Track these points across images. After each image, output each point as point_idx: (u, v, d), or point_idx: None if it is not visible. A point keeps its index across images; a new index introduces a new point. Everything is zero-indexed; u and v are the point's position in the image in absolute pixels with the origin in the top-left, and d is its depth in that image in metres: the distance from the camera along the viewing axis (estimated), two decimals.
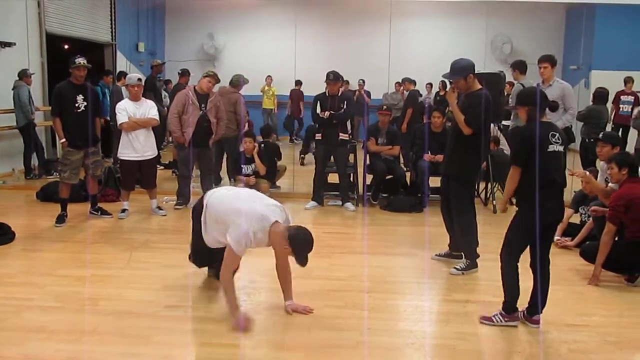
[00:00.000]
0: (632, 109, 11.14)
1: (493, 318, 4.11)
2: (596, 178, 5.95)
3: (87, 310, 4.22)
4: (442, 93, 13.46)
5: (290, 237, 3.94)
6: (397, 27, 14.60)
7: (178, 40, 16.51)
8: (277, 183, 8.93)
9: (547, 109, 4.16)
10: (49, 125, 10.07)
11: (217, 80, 7.51)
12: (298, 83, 14.35)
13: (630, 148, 7.39)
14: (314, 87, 8.17)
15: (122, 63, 13.54)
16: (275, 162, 8.89)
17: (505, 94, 8.91)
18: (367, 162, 8.05)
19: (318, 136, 7.69)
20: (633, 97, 11.30)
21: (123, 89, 9.16)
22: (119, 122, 6.92)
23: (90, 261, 5.32)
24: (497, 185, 8.06)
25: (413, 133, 8.59)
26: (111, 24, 13.39)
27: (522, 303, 4.14)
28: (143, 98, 7.15)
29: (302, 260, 3.94)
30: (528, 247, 4.04)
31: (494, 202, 7.77)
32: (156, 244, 5.98)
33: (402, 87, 13.03)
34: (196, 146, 7.14)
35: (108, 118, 9.91)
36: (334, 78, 7.46)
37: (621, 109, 11.09)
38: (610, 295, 4.76)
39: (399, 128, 10.76)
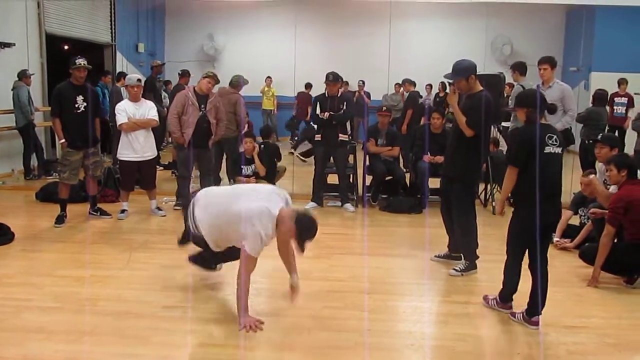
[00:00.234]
0: (626, 111, 11.21)
1: (490, 301, 4.41)
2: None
3: (86, 310, 4.22)
4: (441, 94, 13.48)
5: (297, 218, 3.94)
6: (396, 28, 14.62)
7: (178, 41, 16.52)
8: (277, 184, 8.92)
9: (545, 111, 4.20)
10: (48, 125, 10.08)
11: (217, 81, 7.50)
12: (308, 86, 14.33)
13: (627, 150, 7.39)
14: (314, 88, 8.17)
15: (121, 64, 13.56)
16: (275, 163, 8.88)
17: (505, 95, 8.92)
18: (367, 163, 8.05)
19: (318, 137, 7.69)
20: (627, 99, 11.34)
21: (123, 89, 9.17)
22: (118, 123, 6.92)
23: (89, 262, 5.32)
24: (496, 187, 8.06)
25: (413, 134, 8.60)
26: (111, 24, 13.39)
27: (522, 304, 4.17)
28: (142, 99, 7.15)
29: (303, 245, 3.95)
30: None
31: (494, 203, 7.78)
32: (155, 244, 5.98)
33: (401, 88, 13.03)
34: (196, 147, 7.13)
35: (107, 118, 9.92)
36: (333, 79, 7.47)
37: (615, 111, 11.13)
38: (610, 297, 4.76)
39: (399, 129, 10.77)
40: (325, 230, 6.82)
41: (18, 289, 4.65)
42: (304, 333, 3.94)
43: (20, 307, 4.25)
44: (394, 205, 7.72)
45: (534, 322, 4.07)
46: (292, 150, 11.43)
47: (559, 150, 4.06)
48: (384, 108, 8.41)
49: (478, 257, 5.22)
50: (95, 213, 7.02)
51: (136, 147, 6.91)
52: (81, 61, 6.53)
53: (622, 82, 11.50)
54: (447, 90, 13.10)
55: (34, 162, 9.75)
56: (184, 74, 10.77)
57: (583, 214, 6.11)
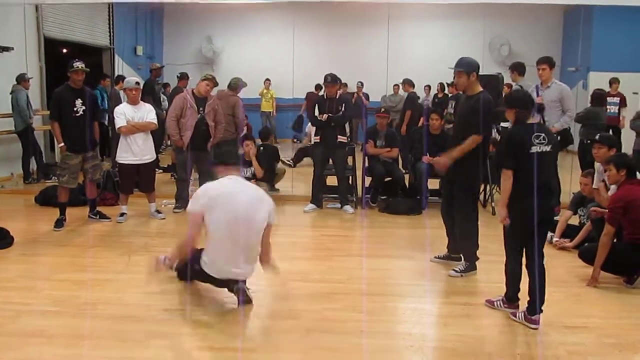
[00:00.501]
0: (619, 110, 11.22)
1: (495, 303, 4.40)
2: (593, 179, 5.95)
3: (85, 314, 4.21)
4: (440, 95, 13.47)
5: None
6: (395, 30, 14.63)
7: (176, 43, 16.54)
8: (276, 186, 8.93)
9: (534, 110, 4.25)
10: (47, 129, 10.08)
11: (215, 84, 7.51)
12: (318, 87, 14.29)
13: (624, 149, 7.40)
14: (312, 89, 8.17)
15: (120, 67, 13.57)
16: (274, 165, 8.90)
17: (504, 95, 8.91)
18: (366, 164, 8.05)
19: (316, 139, 7.69)
20: (619, 98, 11.36)
21: (121, 92, 9.17)
22: (117, 126, 6.92)
23: (88, 265, 5.32)
24: (495, 187, 8.05)
25: (411, 135, 8.60)
26: (109, 28, 13.41)
27: (524, 303, 4.19)
28: (141, 102, 7.15)
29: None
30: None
31: (493, 203, 7.77)
32: (155, 247, 5.97)
33: (400, 89, 13.00)
34: (194, 149, 7.13)
35: (105, 122, 9.93)
36: (332, 80, 7.47)
37: (608, 110, 11.14)
38: (609, 296, 4.75)
39: (398, 130, 10.77)
40: (324, 232, 6.88)
41: (17, 292, 4.64)
42: (303, 334, 3.94)
43: (20, 311, 4.25)
44: (393, 207, 7.72)
45: (533, 321, 4.07)
46: (290, 162, 11.37)
47: (547, 148, 4.08)
48: (383, 109, 8.41)
49: (478, 258, 5.21)
50: (94, 216, 7.02)
51: (135, 150, 6.91)
52: (79, 64, 6.53)
53: (613, 82, 11.54)
54: (446, 91, 13.14)
55: (33, 165, 9.75)
56: (183, 77, 10.77)
57: (582, 214, 6.11)
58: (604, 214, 5.16)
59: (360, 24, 15.24)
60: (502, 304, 4.37)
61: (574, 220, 6.29)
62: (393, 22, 13.97)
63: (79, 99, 6.59)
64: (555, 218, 6.54)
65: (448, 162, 5.07)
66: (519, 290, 4.31)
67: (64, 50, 13.12)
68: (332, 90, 7.50)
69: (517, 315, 4.21)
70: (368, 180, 8.13)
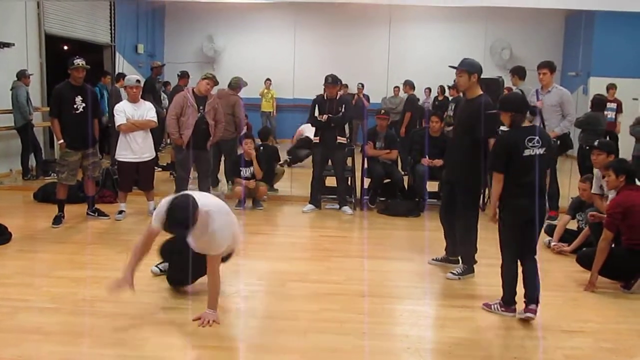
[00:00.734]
0: (616, 116, 11.25)
1: (492, 306, 4.42)
2: (592, 185, 5.96)
3: (83, 311, 4.21)
4: (440, 98, 13.49)
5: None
6: (396, 32, 14.67)
7: (177, 42, 16.54)
8: (275, 186, 8.93)
9: (528, 113, 4.36)
10: (47, 126, 10.08)
11: (216, 83, 7.51)
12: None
13: (621, 155, 7.41)
14: (313, 90, 8.18)
15: (121, 64, 13.57)
16: (274, 165, 8.89)
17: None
18: (365, 165, 8.05)
19: (316, 139, 7.70)
20: (616, 104, 11.38)
21: (122, 90, 9.17)
22: (117, 124, 6.92)
23: (87, 262, 5.32)
24: None
25: (411, 137, 8.60)
26: (110, 25, 13.41)
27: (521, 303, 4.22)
28: (141, 100, 7.15)
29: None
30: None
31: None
32: (153, 245, 5.94)
33: (399, 90, 13.00)
34: (194, 148, 7.13)
35: (103, 119, 9.91)
36: (332, 81, 7.48)
37: (606, 116, 11.17)
38: (607, 301, 4.76)
39: (398, 132, 10.77)
40: (322, 232, 6.88)
41: (15, 289, 4.64)
42: (300, 335, 3.94)
43: (17, 308, 4.25)
44: (392, 208, 7.72)
45: (531, 310, 4.20)
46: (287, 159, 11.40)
47: (541, 151, 4.20)
48: (383, 111, 8.41)
49: (476, 261, 5.22)
50: (93, 214, 7.02)
51: (134, 148, 6.91)
52: (79, 61, 6.53)
53: (610, 87, 11.57)
54: (446, 94, 13.16)
55: (32, 162, 9.74)
56: (183, 75, 10.77)
57: (581, 219, 6.12)
58: (602, 219, 5.17)
59: (362, 25, 15.25)
60: (499, 307, 4.39)
61: (572, 225, 6.29)
62: (394, 24, 14.01)
63: (79, 96, 6.58)
64: (554, 222, 6.58)
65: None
66: (515, 293, 4.34)
67: (65, 47, 13.11)
68: (332, 91, 7.51)
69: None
70: (367, 181, 8.13)
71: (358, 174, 8.24)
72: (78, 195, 7.39)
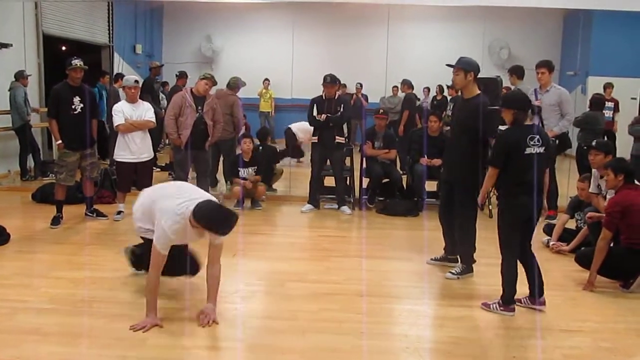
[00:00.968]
0: (613, 115, 11.27)
1: (491, 305, 4.42)
2: (589, 184, 5.97)
3: (81, 312, 4.21)
4: (439, 97, 13.50)
5: (194, 214, 3.75)
6: (394, 31, 14.65)
7: (175, 42, 16.53)
8: (274, 186, 8.93)
9: (529, 112, 4.42)
10: (45, 126, 10.06)
11: (214, 83, 7.50)
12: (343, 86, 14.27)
13: (618, 154, 7.43)
14: (311, 90, 8.17)
15: (119, 65, 13.56)
16: (273, 166, 8.89)
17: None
18: (364, 165, 8.05)
19: (314, 139, 7.69)
20: (613, 103, 11.40)
21: (120, 90, 9.16)
22: (115, 124, 6.91)
23: (85, 263, 5.32)
24: (492, 190, 8.05)
25: (409, 137, 8.60)
26: (108, 25, 13.40)
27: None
28: (140, 100, 7.14)
29: (220, 230, 3.80)
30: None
31: (490, 206, 7.77)
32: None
33: (398, 89, 13.00)
34: (193, 148, 7.13)
35: (103, 120, 9.91)
36: (331, 81, 7.47)
37: (603, 115, 11.20)
38: (605, 301, 4.76)
39: (396, 131, 10.77)
40: (321, 232, 6.87)
41: (13, 290, 4.63)
42: (299, 335, 3.93)
43: (16, 309, 4.24)
44: (391, 208, 7.72)
45: (540, 302, 4.39)
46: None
47: (541, 150, 4.26)
48: (381, 111, 8.41)
49: (475, 261, 5.22)
50: (91, 214, 7.01)
51: (133, 149, 6.90)
52: (77, 62, 6.52)
53: (607, 87, 11.61)
54: (445, 93, 13.16)
55: (30, 163, 9.74)
56: (182, 76, 10.77)
57: (579, 218, 6.12)
58: (600, 219, 5.18)
59: (360, 25, 15.25)
60: (498, 306, 4.39)
61: (571, 224, 6.29)
62: (393, 24, 13.99)
63: (77, 97, 6.58)
64: (553, 222, 6.58)
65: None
66: (515, 292, 4.36)
67: (63, 48, 13.10)
68: (331, 90, 7.51)
69: (522, 300, 4.44)
70: (366, 181, 8.13)
71: (357, 174, 8.24)
72: (76, 196, 7.38)
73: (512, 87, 8.06)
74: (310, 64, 13.78)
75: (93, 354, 3.60)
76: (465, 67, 5.02)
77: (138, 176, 7.17)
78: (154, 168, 8.13)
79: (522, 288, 4.44)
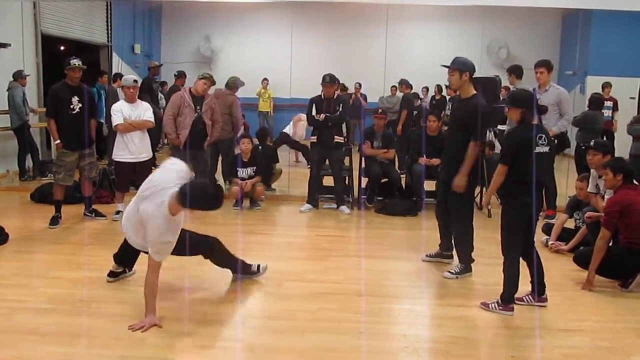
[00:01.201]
0: (612, 114, 11.28)
1: (489, 305, 4.42)
2: (588, 184, 5.97)
3: (80, 312, 4.20)
4: (437, 97, 13.50)
5: (179, 197, 3.79)
6: (393, 31, 14.65)
7: (174, 42, 16.53)
8: (273, 186, 8.93)
9: (536, 111, 4.39)
10: (43, 126, 10.05)
11: (213, 83, 7.50)
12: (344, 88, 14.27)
13: (617, 154, 7.44)
14: (310, 90, 8.17)
15: (118, 65, 13.56)
16: (272, 166, 8.89)
17: (501, 98, 8.93)
18: (363, 165, 8.05)
19: (313, 139, 7.69)
20: (612, 102, 11.41)
21: (119, 90, 9.15)
22: (114, 124, 6.90)
23: (84, 263, 5.31)
24: None
25: (408, 137, 8.60)
26: (107, 25, 13.39)
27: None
28: (138, 100, 7.13)
29: (209, 206, 3.88)
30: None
31: (489, 206, 7.77)
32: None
33: (396, 89, 12.99)
34: (191, 148, 7.12)
35: (102, 120, 9.91)
36: (329, 81, 7.47)
37: (602, 114, 11.22)
38: (604, 300, 4.76)
39: (394, 131, 10.77)
40: (320, 232, 6.87)
41: (12, 290, 4.63)
42: (298, 335, 3.93)
43: (14, 309, 4.24)
44: (390, 208, 7.72)
45: (542, 299, 4.47)
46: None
47: (547, 149, 4.30)
48: (380, 110, 8.41)
49: (473, 260, 5.22)
50: (90, 214, 7.01)
51: (131, 148, 6.89)
52: (76, 61, 6.52)
53: (606, 86, 11.63)
54: (444, 93, 13.16)
55: (29, 163, 9.73)
56: (180, 75, 10.76)
57: (578, 218, 6.12)
58: (598, 218, 5.18)
59: (359, 24, 15.25)
60: (497, 306, 4.39)
61: (570, 224, 6.30)
62: (392, 23, 14.00)
63: (76, 97, 6.58)
64: (551, 221, 6.58)
65: (464, 181, 4.98)
66: (516, 291, 4.38)
67: (62, 48, 13.09)
68: (329, 90, 7.51)
69: (524, 298, 4.49)
70: (364, 181, 8.13)
71: (355, 174, 8.24)
72: (75, 196, 7.38)
73: (511, 87, 8.08)
74: (309, 64, 13.78)
75: (92, 354, 3.59)
76: (460, 67, 5.02)
77: (137, 176, 7.13)
78: (153, 168, 8.09)
79: (521, 287, 4.44)
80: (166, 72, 13.52)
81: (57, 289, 4.66)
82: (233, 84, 8.73)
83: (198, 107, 7.21)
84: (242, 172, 7.83)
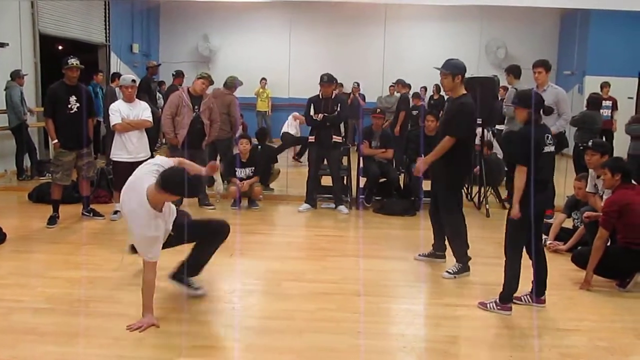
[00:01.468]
0: (612, 114, 11.30)
1: (487, 305, 4.42)
2: (586, 184, 5.98)
3: (78, 312, 4.20)
4: (436, 97, 13.50)
5: (162, 185, 3.75)
6: (391, 31, 14.67)
7: (172, 41, 16.52)
8: (271, 185, 8.93)
9: (541, 112, 4.38)
10: (41, 126, 10.05)
11: (211, 82, 7.50)
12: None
13: (615, 154, 7.45)
14: (308, 90, 8.17)
15: (116, 64, 13.54)
16: (271, 166, 8.88)
17: (499, 98, 8.94)
18: (361, 165, 8.05)
19: (311, 139, 7.69)
20: (611, 102, 11.42)
21: (117, 90, 9.15)
22: (112, 123, 6.89)
23: (81, 263, 5.30)
24: (490, 190, 8.07)
25: (406, 136, 8.60)
26: (105, 25, 13.37)
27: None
28: (137, 99, 7.11)
29: (189, 191, 3.83)
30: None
31: (487, 206, 7.78)
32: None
33: (395, 89, 13.01)
34: (189, 148, 7.12)
35: (100, 119, 9.89)
36: (327, 80, 7.47)
37: (602, 114, 11.22)
38: (602, 300, 4.76)
39: (392, 131, 10.77)
40: (318, 232, 6.87)
41: (9, 289, 4.62)
42: (296, 335, 3.93)
43: (12, 308, 4.23)
44: (388, 208, 7.72)
45: (541, 301, 4.46)
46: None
47: (552, 149, 4.34)
48: (378, 110, 8.41)
49: (470, 257, 5.23)
50: (87, 214, 7.00)
51: (130, 148, 6.87)
52: (74, 61, 6.51)
53: (604, 86, 11.64)
54: (442, 93, 13.15)
55: (26, 162, 9.72)
56: (178, 75, 10.75)
57: (576, 217, 6.13)
58: (597, 218, 5.18)
59: (357, 24, 15.24)
60: (495, 305, 4.39)
61: (568, 224, 6.30)
62: (390, 23, 14.02)
63: (74, 96, 6.57)
64: (549, 221, 6.58)
65: (424, 167, 5.21)
66: (515, 290, 4.38)
67: (59, 47, 13.08)
68: (327, 90, 7.51)
69: (523, 298, 4.49)
70: (363, 180, 8.13)
71: (354, 173, 8.24)
72: (73, 196, 7.38)
73: (509, 87, 8.08)
74: (307, 64, 13.76)
75: (90, 354, 3.59)
76: (453, 70, 5.09)
77: None
78: None
79: (522, 287, 4.44)
80: (164, 72, 13.50)
81: (55, 288, 4.65)
82: (231, 84, 8.73)
83: (196, 107, 7.20)
84: (241, 172, 7.82)
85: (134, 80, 7.09)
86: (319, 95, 7.58)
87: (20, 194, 8.33)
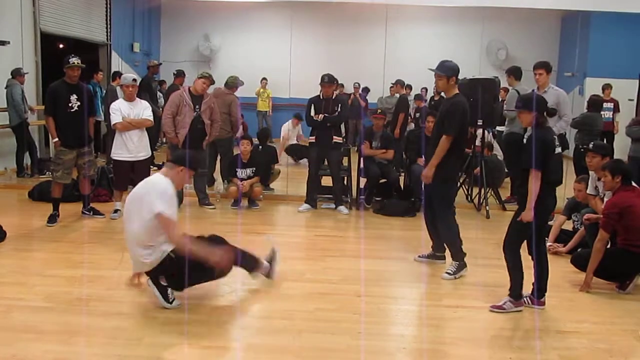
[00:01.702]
0: (613, 116, 11.30)
1: (504, 305, 4.41)
2: (587, 185, 5.98)
3: (77, 311, 4.20)
4: (436, 98, 13.48)
5: (179, 162, 4.32)
6: (392, 32, 14.70)
7: (173, 41, 16.53)
8: (271, 185, 8.93)
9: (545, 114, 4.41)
10: (42, 124, 10.04)
11: (212, 82, 7.50)
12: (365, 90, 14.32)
13: (616, 156, 7.45)
14: (309, 90, 8.18)
15: (117, 63, 13.55)
16: (271, 166, 8.88)
17: (500, 99, 8.94)
18: (361, 165, 8.05)
19: (312, 139, 7.69)
20: (612, 104, 11.43)
21: (118, 89, 9.15)
22: (112, 122, 6.89)
23: (81, 261, 5.30)
24: (490, 191, 8.06)
25: (406, 137, 8.60)
26: (106, 23, 13.37)
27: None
28: (137, 98, 7.11)
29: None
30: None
31: (487, 207, 7.77)
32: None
33: (394, 89, 13.00)
34: (190, 147, 7.10)
35: (99, 119, 9.89)
36: (328, 81, 7.47)
37: (603, 116, 11.21)
38: (602, 302, 4.77)
39: (392, 132, 10.77)
40: (318, 232, 6.87)
41: (9, 288, 4.62)
42: (296, 335, 3.93)
43: (11, 307, 4.23)
44: (388, 208, 7.71)
45: (541, 303, 4.45)
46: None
47: (559, 149, 4.39)
48: (379, 111, 8.41)
49: (465, 254, 5.24)
50: (88, 213, 7.00)
51: (130, 147, 6.88)
52: (75, 60, 6.51)
53: (606, 88, 11.65)
54: (442, 94, 13.14)
55: (27, 160, 9.72)
56: (179, 74, 10.75)
57: (576, 219, 6.13)
58: (597, 220, 5.18)
59: (358, 24, 15.25)
60: (511, 304, 4.40)
61: (568, 226, 6.30)
62: (391, 24, 14.04)
63: (74, 95, 6.57)
64: (549, 223, 6.58)
65: (431, 171, 5.18)
66: (522, 284, 4.44)
67: (60, 46, 13.08)
68: (328, 90, 7.50)
69: (525, 300, 4.48)
70: (363, 181, 8.13)
71: (354, 174, 8.24)
72: (73, 194, 7.37)
73: (510, 88, 8.08)
74: (308, 64, 13.80)
75: (89, 353, 3.59)
76: (446, 72, 5.17)
77: (135, 175, 7.14)
78: (151, 167, 8.12)
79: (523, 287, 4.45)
80: (165, 71, 13.50)
81: (55, 287, 4.65)
82: (232, 84, 8.73)
83: (197, 107, 7.20)
84: (242, 173, 7.82)
85: (134, 80, 7.09)
86: (319, 95, 7.58)
87: (20, 192, 8.33)
